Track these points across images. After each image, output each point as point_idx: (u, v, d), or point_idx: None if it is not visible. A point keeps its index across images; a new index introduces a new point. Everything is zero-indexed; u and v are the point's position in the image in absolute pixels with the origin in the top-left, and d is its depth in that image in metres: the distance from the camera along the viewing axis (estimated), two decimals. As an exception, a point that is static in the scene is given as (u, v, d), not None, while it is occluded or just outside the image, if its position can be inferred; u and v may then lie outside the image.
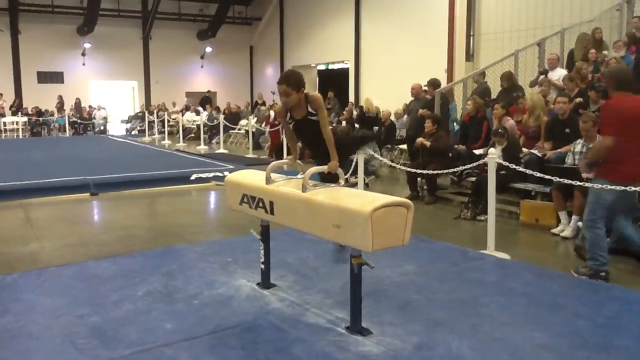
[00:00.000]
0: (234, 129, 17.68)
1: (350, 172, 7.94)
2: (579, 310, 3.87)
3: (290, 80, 3.96)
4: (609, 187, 4.52)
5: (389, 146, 12.52)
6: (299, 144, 4.59)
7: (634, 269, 5.06)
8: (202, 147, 16.80)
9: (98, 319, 3.74)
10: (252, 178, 4.23)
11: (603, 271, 4.65)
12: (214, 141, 18.17)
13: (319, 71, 24.30)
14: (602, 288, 4.38)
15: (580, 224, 5.96)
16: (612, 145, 4.48)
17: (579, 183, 5.16)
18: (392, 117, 13.18)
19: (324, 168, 3.97)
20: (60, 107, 22.81)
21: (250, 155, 14.23)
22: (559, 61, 9.94)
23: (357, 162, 7.60)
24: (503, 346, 3.34)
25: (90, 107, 23.93)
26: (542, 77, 9.61)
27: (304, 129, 4.13)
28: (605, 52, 9.78)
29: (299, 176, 3.93)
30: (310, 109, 3.99)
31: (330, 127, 4.17)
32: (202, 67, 27.16)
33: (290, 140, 4.44)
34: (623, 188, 4.45)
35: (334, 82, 22.19)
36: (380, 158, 8.48)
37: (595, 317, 3.75)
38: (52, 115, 22.89)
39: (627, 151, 4.48)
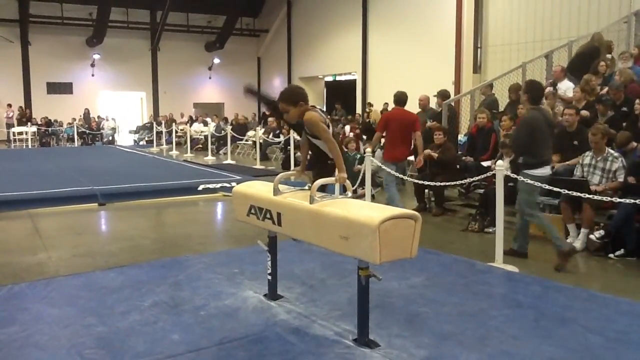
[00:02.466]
0: (241, 139, 17.73)
1: (357, 183, 7.93)
2: (589, 324, 3.83)
3: (285, 97, 3.93)
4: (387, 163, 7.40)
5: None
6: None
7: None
8: (210, 158, 16.84)
9: (105, 329, 3.74)
10: (259, 189, 4.23)
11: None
12: (221, 152, 18.22)
13: (327, 82, 24.38)
14: (611, 301, 4.34)
15: (592, 237, 5.92)
16: (380, 136, 7.67)
17: (587, 195, 5.13)
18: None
19: (332, 180, 3.97)
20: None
21: (258, 166, 14.24)
22: (565, 73, 9.89)
23: (364, 174, 7.60)
24: (512, 360, 3.32)
25: (98, 117, 24.09)
26: (548, 89, 9.58)
27: (311, 143, 4.12)
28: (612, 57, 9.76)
29: (306, 187, 3.93)
30: (307, 130, 3.97)
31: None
32: (210, 78, 27.33)
33: (302, 150, 4.41)
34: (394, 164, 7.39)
35: (342, 93, 22.25)
36: (388, 169, 8.46)
37: (605, 330, 3.72)
38: (61, 125, 23.06)
39: (392, 141, 7.45)
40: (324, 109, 4.37)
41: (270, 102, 4.32)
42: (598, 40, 10.00)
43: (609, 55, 9.63)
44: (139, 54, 25.30)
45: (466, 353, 3.37)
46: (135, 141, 23.96)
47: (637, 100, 7.15)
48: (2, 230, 7.14)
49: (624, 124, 7.22)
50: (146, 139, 23.30)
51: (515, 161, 6.22)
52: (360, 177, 8.01)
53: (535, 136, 5.52)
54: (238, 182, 8.69)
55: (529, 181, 5.36)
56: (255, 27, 27.64)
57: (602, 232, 5.83)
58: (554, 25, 13.50)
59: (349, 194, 3.87)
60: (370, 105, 17.42)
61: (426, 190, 8.36)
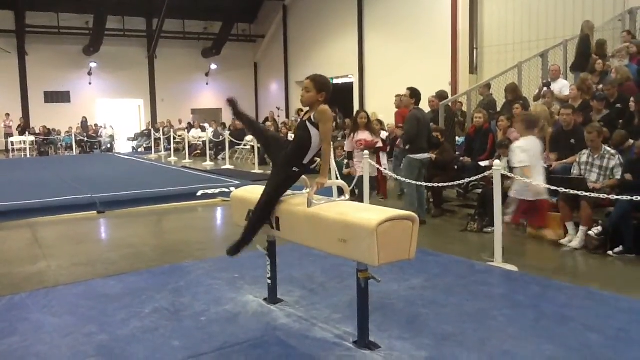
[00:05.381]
0: (239, 144, 17.74)
1: (352, 185, 7.95)
2: (588, 322, 3.84)
3: (316, 79, 3.82)
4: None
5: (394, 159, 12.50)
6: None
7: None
8: (208, 164, 16.86)
9: (105, 337, 3.75)
10: (258, 194, 4.23)
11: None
12: (219, 157, 18.23)
13: (324, 86, 24.37)
14: (610, 299, 4.35)
15: (590, 233, 5.93)
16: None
17: (585, 194, 5.14)
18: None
19: (331, 183, 3.97)
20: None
21: (256, 170, 14.25)
22: (561, 72, 9.93)
23: (360, 177, 7.61)
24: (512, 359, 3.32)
25: (96, 125, 24.11)
26: (544, 89, 9.61)
27: (298, 130, 3.94)
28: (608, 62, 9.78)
29: (304, 191, 3.94)
30: (312, 117, 3.78)
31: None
32: (207, 84, 27.37)
33: None
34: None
35: (339, 96, 22.24)
36: (386, 171, 8.48)
37: (605, 329, 3.72)
38: (59, 134, 23.08)
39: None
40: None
41: (243, 117, 4.32)
42: (585, 28, 10.03)
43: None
44: (136, 61, 25.34)
45: (467, 353, 3.37)
46: (133, 148, 23.98)
47: (632, 99, 7.16)
48: (1, 240, 7.13)
49: (620, 122, 7.24)
50: (144, 146, 23.31)
51: (403, 149, 7.79)
52: (355, 181, 8.04)
53: (417, 129, 7.30)
54: (237, 187, 8.69)
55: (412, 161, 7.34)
56: (252, 33, 27.69)
57: (599, 228, 5.85)
58: (549, 24, 13.53)
59: (347, 196, 3.88)
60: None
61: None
